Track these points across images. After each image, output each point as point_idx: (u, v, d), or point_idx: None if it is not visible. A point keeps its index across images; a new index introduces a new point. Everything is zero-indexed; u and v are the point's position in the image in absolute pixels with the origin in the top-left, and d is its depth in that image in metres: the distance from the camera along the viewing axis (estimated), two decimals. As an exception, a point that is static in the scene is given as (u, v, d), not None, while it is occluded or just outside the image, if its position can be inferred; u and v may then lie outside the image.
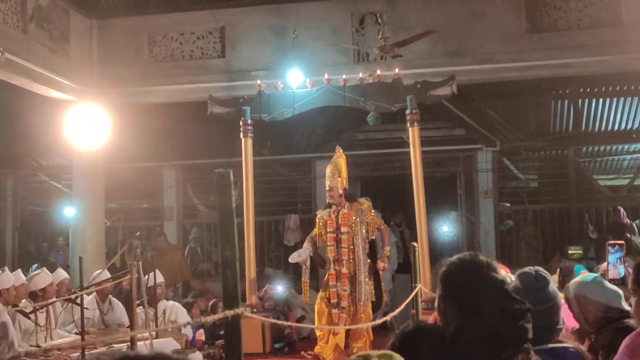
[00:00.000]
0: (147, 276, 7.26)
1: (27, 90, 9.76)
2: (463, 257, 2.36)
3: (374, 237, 8.70)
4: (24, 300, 7.07)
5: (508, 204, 13.45)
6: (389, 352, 1.49)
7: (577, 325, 3.54)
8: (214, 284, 12.51)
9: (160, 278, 8.01)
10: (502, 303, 2.20)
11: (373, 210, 8.67)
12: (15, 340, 6.31)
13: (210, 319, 2.12)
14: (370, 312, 8.57)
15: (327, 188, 8.64)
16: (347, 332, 8.71)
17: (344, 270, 8.43)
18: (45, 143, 13.33)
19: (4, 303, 6.65)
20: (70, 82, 10.04)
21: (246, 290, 8.72)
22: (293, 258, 8.82)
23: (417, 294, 7.15)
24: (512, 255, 12.88)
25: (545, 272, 2.75)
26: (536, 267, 2.76)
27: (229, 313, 1.94)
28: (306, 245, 8.84)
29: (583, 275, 3.75)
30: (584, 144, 13.35)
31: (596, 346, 3.43)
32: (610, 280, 3.53)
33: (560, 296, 2.87)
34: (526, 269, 2.74)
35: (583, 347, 2.79)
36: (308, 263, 8.73)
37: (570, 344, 2.65)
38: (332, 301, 8.44)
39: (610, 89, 12.29)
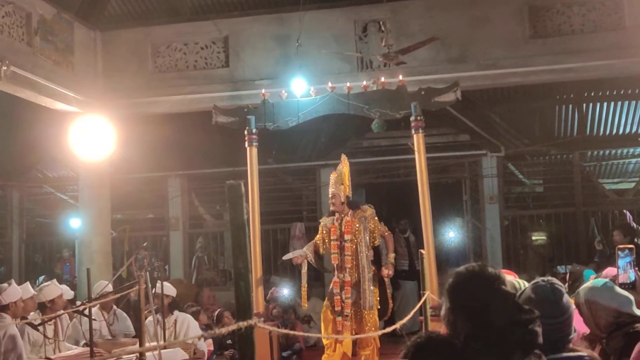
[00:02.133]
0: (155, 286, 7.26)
1: (33, 102, 9.80)
2: (471, 268, 2.34)
3: (377, 244, 8.71)
4: (32, 313, 7.08)
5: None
6: None
7: (587, 331, 3.53)
8: (220, 293, 12.54)
9: (170, 291, 8.00)
10: (512, 314, 2.20)
11: (376, 217, 8.69)
12: (24, 353, 6.31)
13: (224, 330, 2.12)
14: (377, 319, 8.56)
15: (329, 195, 8.68)
16: (355, 339, 8.70)
17: (348, 277, 8.43)
18: (51, 155, 13.37)
19: (12, 315, 6.66)
20: (75, 94, 10.08)
21: (253, 299, 8.71)
22: (286, 256, 8.93)
23: (425, 301, 7.13)
24: (519, 260, 12.86)
25: (560, 283, 2.74)
26: (550, 279, 2.74)
27: (243, 324, 1.94)
28: (304, 248, 8.88)
29: (593, 280, 3.73)
30: (589, 148, 13.34)
31: (607, 351, 3.41)
32: (621, 285, 3.52)
33: (573, 305, 2.86)
34: (540, 281, 2.71)
35: (597, 355, 2.78)
36: (305, 268, 8.75)
37: (584, 352, 2.63)
38: (336, 309, 8.44)
39: (615, 92, 12.28)
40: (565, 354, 2.57)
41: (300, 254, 8.75)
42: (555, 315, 2.61)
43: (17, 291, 6.79)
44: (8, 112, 11.10)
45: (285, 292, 11.17)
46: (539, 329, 2.22)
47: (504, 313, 2.18)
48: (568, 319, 2.66)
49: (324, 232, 8.72)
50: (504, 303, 2.22)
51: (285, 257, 9.01)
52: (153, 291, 7.20)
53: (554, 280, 2.73)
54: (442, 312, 2.36)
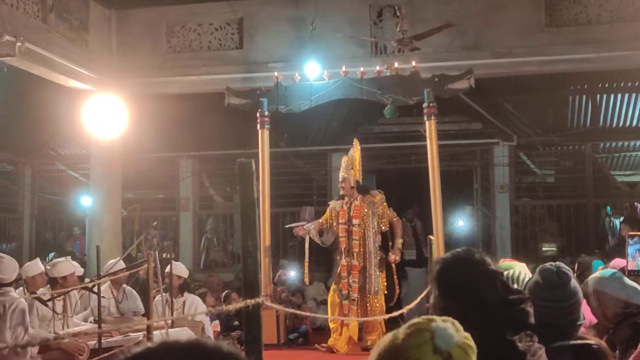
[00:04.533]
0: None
1: (46, 79, 9.83)
2: (457, 254, 2.36)
3: (386, 230, 8.73)
4: (41, 289, 7.12)
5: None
6: (450, 318, 1.59)
7: (594, 320, 3.53)
8: (227, 275, 12.61)
9: (182, 272, 8.05)
10: (501, 294, 2.22)
11: (385, 203, 8.73)
12: (29, 328, 6.35)
13: (232, 307, 2.13)
14: (383, 304, 8.60)
15: (340, 179, 8.72)
16: (361, 324, 8.75)
17: (355, 262, 8.48)
18: (64, 132, 13.41)
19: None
20: (89, 72, 10.10)
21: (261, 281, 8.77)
22: (290, 224, 9.10)
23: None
24: (529, 250, 12.82)
25: (567, 268, 2.74)
26: (558, 263, 2.74)
27: (250, 302, 1.94)
28: (309, 224, 8.99)
29: (603, 270, 3.72)
30: (601, 139, 13.26)
31: (614, 341, 3.41)
32: (630, 272, 3.50)
33: (581, 291, 2.86)
34: (547, 265, 2.72)
35: (605, 344, 2.78)
36: (307, 244, 8.87)
37: (592, 340, 2.64)
38: (343, 292, 8.49)
39: (630, 84, 12.19)
40: (572, 342, 2.58)
41: (304, 226, 8.85)
42: (562, 299, 2.62)
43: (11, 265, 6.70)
44: (22, 89, 11.12)
45: (292, 274, 11.22)
46: (530, 310, 2.25)
47: (493, 291, 2.21)
48: (575, 303, 2.67)
49: (332, 214, 8.77)
50: (492, 282, 2.24)
51: (287, 225, 9.20)
52: (166, 271, 7.26)
53: (562, 265, 2.73)
54: (431, 300, 2.36)
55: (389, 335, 1.58)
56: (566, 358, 2.50)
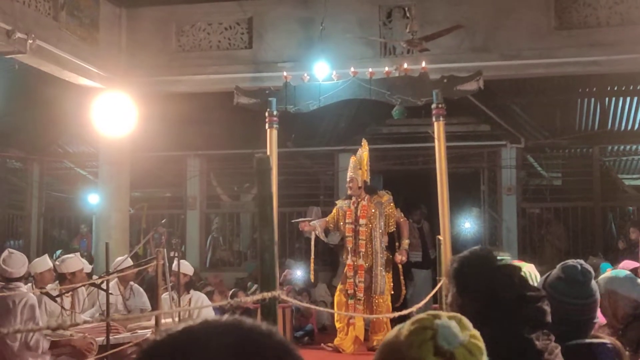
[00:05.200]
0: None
1: (56, 77, 9.86)
2: (474, 251, 2.37)
3: (392, 230, 8.75)
4: (50, 285, 7.15)
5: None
6: (458, 314, 1.50)
7: (604, 321, 3.54)
8: (233, 274, 12.65)
9: (188, 270, 8.07)
10: (519, 290, 2.23)
11: (392, 203, 8.75)
12: (41, 323, 6.38)
13: (249, 299, 2.14)
14: (390, 304, 8.62)
15: (347, 179, 8.74)
16: (367, 324, 8.78)
17: (361, 262, 8.50)
18: (72, 130, 13.46)
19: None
20: (99, 70, 10.13)
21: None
22: (296, 220, 9.27)
23: (440, 287, 7.15)
24: (535, 252, 12.81)
25: (589, 266, 2.75)
26: (580, 261, 2.76)
27: (267, 295, 1.96)
28: (315, 222, 9.01)
29: (614, 270, 3.73)
30: (609, 142, 13.23)
31: (623, 342, 3.41)
32: (642, 275, 3.52)
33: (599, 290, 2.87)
34: (570, 262, 2.73)
35: (619, 343, 2.79)
36: (312, 241, 8.89)
37: (607, 339, 2.65)
38: (349, 292, 8.51)
39: (639, 87, 12.17)
40: (588, 340, 2.59)
41: (310, 223, 8.87)
42: (583, 296, 2.63)
43: (19, 261, 6.74)
44: (31, 86, 11.17)
45: (298, 274, 11.24)
46: (547, 308, 2.24)
47: (510, 288, 2.21)
48: (595, 302, 2.68)
49: (339, 214, 8.80)
50: (509, 279, 2.24)
51: (294, 221, 9.24)
52: (172, 267, 7.28)
53: (584, 262, 2.74)
54: (449, 299, 2.37)
55: (395, 329, 1.49)
56: (582, 356, 2.51)
